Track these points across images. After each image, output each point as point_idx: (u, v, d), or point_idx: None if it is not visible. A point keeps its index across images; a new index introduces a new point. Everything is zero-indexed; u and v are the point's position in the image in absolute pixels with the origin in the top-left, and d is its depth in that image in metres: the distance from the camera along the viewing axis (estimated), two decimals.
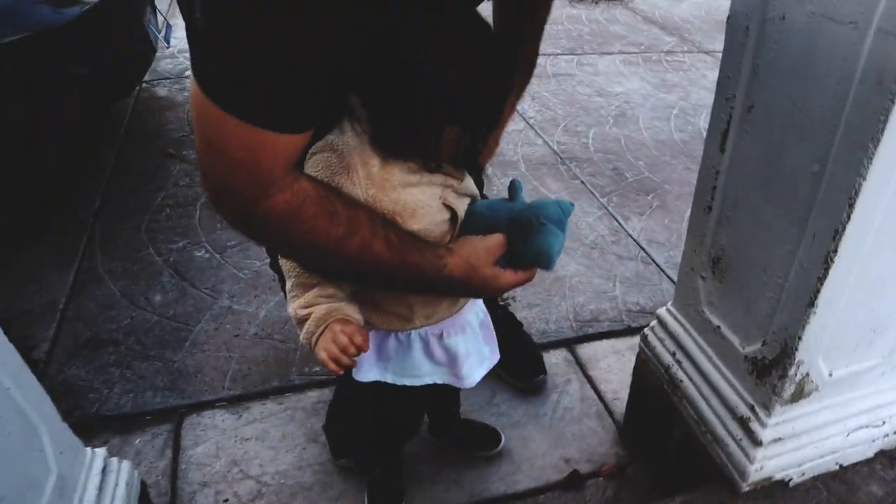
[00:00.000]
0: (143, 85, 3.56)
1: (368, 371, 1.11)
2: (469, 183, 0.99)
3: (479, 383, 1.82)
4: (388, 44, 0.76)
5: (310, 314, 0.91)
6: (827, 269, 0.99)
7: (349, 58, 0.74)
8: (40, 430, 1.06)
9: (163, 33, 3.02)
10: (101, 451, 1.23)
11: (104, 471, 1.21)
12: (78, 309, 2.08)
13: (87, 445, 1.22)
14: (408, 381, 1.13)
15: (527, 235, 0.92)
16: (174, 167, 2.85)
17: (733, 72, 1.09)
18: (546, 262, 0.93)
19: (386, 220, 0.87)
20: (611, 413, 1.79)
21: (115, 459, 1.26)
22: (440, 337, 1.09)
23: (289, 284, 0.94)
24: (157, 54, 3.16)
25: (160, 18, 3.11)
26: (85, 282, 2.19)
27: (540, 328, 2.06)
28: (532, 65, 1.30)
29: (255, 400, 1.80)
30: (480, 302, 1.18)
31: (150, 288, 2.17)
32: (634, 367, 1.59)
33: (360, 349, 0.89)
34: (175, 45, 3.90)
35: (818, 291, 1.02)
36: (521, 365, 1.82)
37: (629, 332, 2.07)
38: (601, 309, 2.16)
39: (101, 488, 1.18)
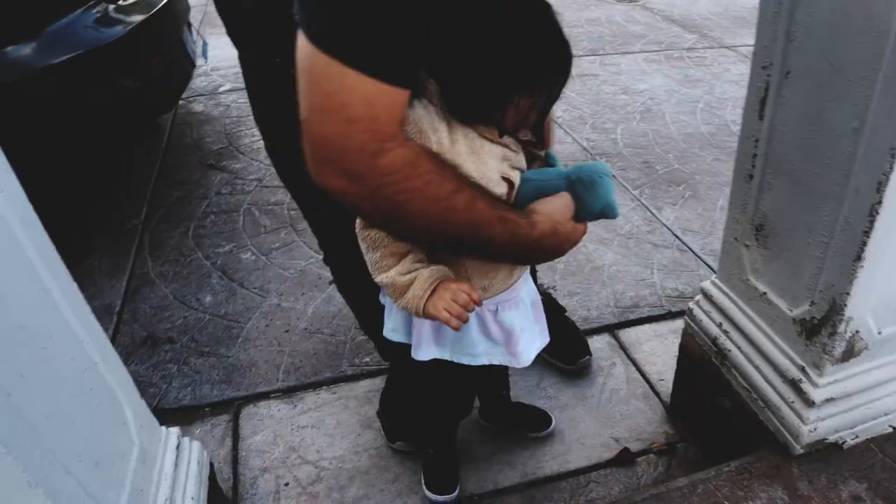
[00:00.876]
0: (181, 101, 3.68)
1: (427, 349, 1.16)
2: (522, 158, 1.04)
3: (527, 368, 1.87)
4: (457, 9, 0.80)
5: (413, 279, 0.95)
6: (872, 222, 1.02)
7: (437, 21, 0.78)
8: (124, 405, 1.13)
9: (199, 49, 3.14)
10: (174, 430, 1.30)
11: (178, 448, 1.28)
12: (133, 311, 2.17)
13: None
14: (465, 360, 1.17)
15: (592, 190, 0.99)
16: (215, 177, 2.96)
17: (769, 40, 1.13)
18: (614, 210, 1.01)
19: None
20: (657, 394, 1.82)
21: (186, 439, 1.33)
22: (495, 312, 1.13)
23: (376, 255, 0.98)
24: (192, 72, 3.27)
25: (196, 36, 3.23)
26: (138, 286, 2.28)
27: (582, 315, 2.09)
28: None
29: (309, 390, 1.86)
30: (531, 281, 1.22)
31: (200, 289, 2.25)
32: (681, 343, 1.62)
33: (477, 304, 0.95)
34: (209, 62, 4.03)
35: (865, 244, 1.05)
36: (566, 347, 1.86)
37: (670, 316, 2.10)
38: (641, 295, 2.18)
39: (176, 463, 1.24)
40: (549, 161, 1.08)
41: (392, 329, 1.21)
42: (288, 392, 1.85)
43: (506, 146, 0.98)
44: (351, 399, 1.81)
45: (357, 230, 1.00)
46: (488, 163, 0.95)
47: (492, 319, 1.13)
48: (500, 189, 0.99)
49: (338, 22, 0.73)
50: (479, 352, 1.16)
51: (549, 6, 0.88)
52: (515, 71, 0.86)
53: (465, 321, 0.95)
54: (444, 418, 1.51)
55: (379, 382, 1.84)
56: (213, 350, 1.99)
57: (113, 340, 2.05)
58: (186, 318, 2.13)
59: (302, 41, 0.76)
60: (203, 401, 1.83)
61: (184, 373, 1.92)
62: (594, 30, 4.82)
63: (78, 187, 2.77)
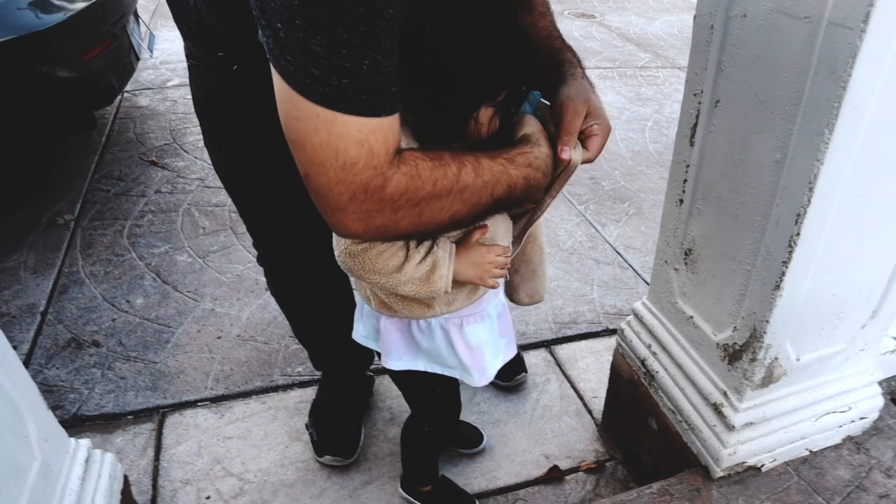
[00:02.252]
0: (125, 94, 3.57)
1: (399, 359, 1.15)
2: None
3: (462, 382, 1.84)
4: (410, 27, 0.78)
5: (433, 262, 0.95)
6: (791, 253, 1.04)
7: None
8: (25, 417, 1.07)
9: (146, 42, 3.05)
10: (84, 442, 1.24)
11: (87, 461, 1.22)
12: (58, 312, 2.08)
13: None
14: (438, 369, 1.17)
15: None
16: (156, 174, 2.87)
17: (700, 68, 1.15)
18: (534, 94, 0.99)
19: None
20: (590, 411, 1.83)
21: (98, 451, 1.27)
22: (460, 326, 1.12)
23: (378, 265, 0.94)
24: (140, 64, 3.18)
25: (143, 28, 3.13)
26: (66, 285, 2.19)
27: (519, 330, 2.09)
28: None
29: (238, 399, 1.81)
30: (501, 294, 1.21)
31: (131, 291, 2.17)
32: (612, 362, 1.63)
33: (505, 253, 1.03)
34: (157, 55, 3.92)
35: (783, 275, 1.07)
36: None
37: (607, 333, 2.12)
38: (579, 311, 2.20)
39: (84, 478, 1.19)
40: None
41: (364, 335, 1.21)
42: (216, 401, 1.79)
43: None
44: (280, 409, 1.77)
45: (343, 260, 0.96)
46: None
47: (457, 334, 1.12)
48: None
49: (312, 68, 0.70)
50: (450, 364, 1.16)
51: (507, 15, 0.87)
52: (469, 89, 0.85)
53: (503, 275, 1.03)
54: (445, 424, 1.47)
55: (310, 393, 1.80)
56: (140, 355, 1.92)
57: (34, 342, 1.96)
58: (115, 320, 2.05)
59: (283, 92, 0.73)
60: (126, 408, 1.76)
61: (108, 378, 1.85)
62: None
63: (7, 179, 2.64)
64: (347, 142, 0.74)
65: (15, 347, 1.91)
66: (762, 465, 1.34)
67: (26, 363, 1.87)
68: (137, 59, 2.94)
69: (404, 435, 1.48)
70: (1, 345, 1.03)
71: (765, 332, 1.15)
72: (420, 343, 1.13)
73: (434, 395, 1.30)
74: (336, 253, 0.98)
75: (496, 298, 1.18)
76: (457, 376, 1.17)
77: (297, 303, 1.58)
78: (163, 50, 4.13)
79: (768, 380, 1.24)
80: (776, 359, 1.21)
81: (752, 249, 1.13)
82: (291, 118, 0.75)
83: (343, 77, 0.71)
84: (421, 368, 1.17)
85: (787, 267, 1.06)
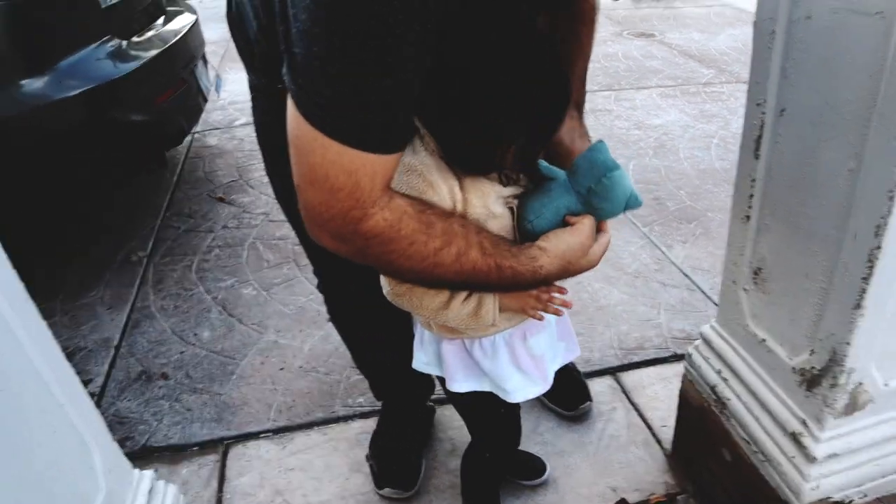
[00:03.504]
0: (195, 134, 3.73)
1: (464, 381, 1.15)
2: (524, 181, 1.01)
3: (524, 412, 1.80)
4: (447, 61, 0.79)
5: (479, 298, 0.95)
6: (871, 268, 0.96)
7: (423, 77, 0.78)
8: (91, 448, 1.09)
9: (213, 85, 3.18)
10: (148, 473, 1.26)
11: (150, 492, 1.24)
12: (131, 345, 2.15)
13: None
14: (500, 394, 1.15)
15: (610, 195, 0.91)
16: (223, 210, 2.96)
17: (762, 77, 1.09)
18: (637, 201, 0.94)
19: (478, 226, 0.90)
20: (658, 441, 1.74)
21: (161, 482, 1.29)
22: (524, 339, 1.11)
23: (424, 302, 0.96)
24: (208, 105, 3.32)
25: (211, 71, 3.28)
26: (138, 320, 2.27)
27: (584, 356, 2.02)
28: (583, 83, 1.27)
29: (300, 431, 1.81)
30: None
31: (199, 324, 2.23)
32: (680, 389, 1.55)
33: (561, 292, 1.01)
34: (225, 97, 4.09)
35: (864, 291, 0.98)
36: (565, 392, 1.79)
37: (675, 358, 2.02)
38: (646, 336, 2.11)
39: None
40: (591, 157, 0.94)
41: (426, 362, 1.20)
42: (278, 432, 1.81)
43: (515, 183, 0.96)
44: (341, 441, 1.76)
45: (391, 299, 0.99)
46: (498, 203, 0.94)
47: (521, 346, 1.11)
48: (510, 221, 0.97)
49: (319, 95, 0.73)
50: (511, 388, 1.14)
51: (546, 45, 0.86)
52: (505, 125, 0.84)
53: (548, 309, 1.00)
54: (506, 448, 1.45)
55: (371, 424, 1.79)
56: (206, 387, 1.96)
57: (108, 374, 2.03)
58: (183, 353, 2.11)
59: (291, 110, 0.77)
60: (192, 440, 1.79)
61: (175, 410, 1.89)
62: (611, 65, 4.81)
63: (86, 219, 2.80)
64: (337, 169, 0.76)
65: (91, 380, 2.00)
66: (850, 502, 1.23)
67: (101, 395, 1.94)
68: (205, 100, 3.07)
69: (465, 464, 1.45)
70: (71, 381, 1.06)
71: (846, 355, 1.06)
72: (481, 364, 1.12)
73: (498, 415, 1.28)
74: (384, 292, 1.00)
75: None
76: (518, 400, 1.15)
77: (357, 329, 1.58)
78: (230, 91, 4.31)
79: (853, 407, 1.14)
80: (860, 384, 1.11)
81: (827, 266, 1.05)
82: (295, 135, 0.78)
83: (348, 109, 0.73)
84: (487, 389, 1.15)
85: (868, 283, 0.98)
